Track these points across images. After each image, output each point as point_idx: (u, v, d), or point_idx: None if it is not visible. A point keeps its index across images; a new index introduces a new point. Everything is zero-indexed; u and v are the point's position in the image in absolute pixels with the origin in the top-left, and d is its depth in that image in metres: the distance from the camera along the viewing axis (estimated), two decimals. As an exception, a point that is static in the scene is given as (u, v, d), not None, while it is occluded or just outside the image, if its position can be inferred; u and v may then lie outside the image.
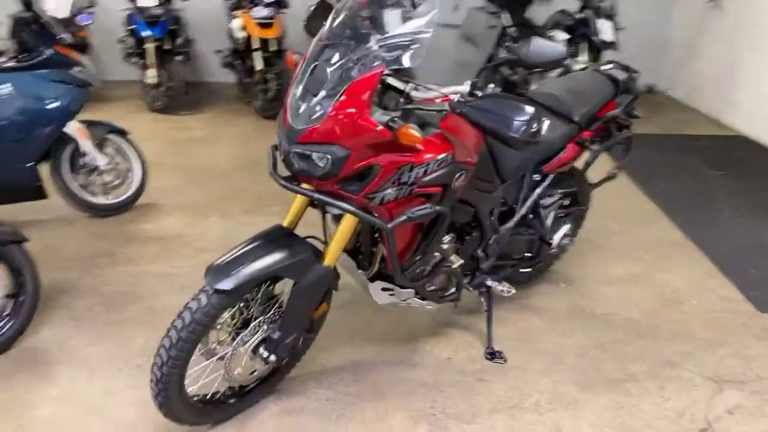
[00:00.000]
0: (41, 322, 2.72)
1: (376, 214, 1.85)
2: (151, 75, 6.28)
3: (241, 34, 6.18)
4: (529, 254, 2.73)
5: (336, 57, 1.77)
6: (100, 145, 3.78)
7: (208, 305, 1.78)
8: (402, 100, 1.87)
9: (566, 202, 2.87)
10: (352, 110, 1.67)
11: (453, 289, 2.39)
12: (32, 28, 3.49)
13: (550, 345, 2.63)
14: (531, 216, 2.58)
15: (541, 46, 1.76)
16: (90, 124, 3.75)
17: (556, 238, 2.70)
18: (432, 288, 2.33)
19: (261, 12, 5.98)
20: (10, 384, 2.34)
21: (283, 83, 6.03)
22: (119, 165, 3.93)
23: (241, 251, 1.87)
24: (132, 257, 3.37)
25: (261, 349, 1.99)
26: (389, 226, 1.85)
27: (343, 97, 1.67)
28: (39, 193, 3.62)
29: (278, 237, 1.94)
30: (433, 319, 2.74)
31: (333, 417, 2.19)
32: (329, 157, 1.70)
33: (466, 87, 1.82)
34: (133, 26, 6.23)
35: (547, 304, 2.95)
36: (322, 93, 1.73)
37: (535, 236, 2.65)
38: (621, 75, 2.71)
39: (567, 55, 1.79)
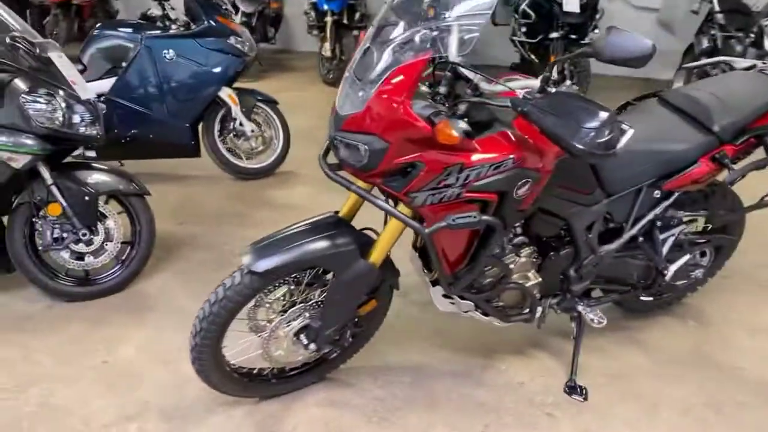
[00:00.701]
0: (157, 269, 2.97)
1: (419, 216, 1.68)
2: (327, 48, 6.51)
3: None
4: (643, 282, 2.34)
5: (386, 40, 1.62)
6: (249, 112, 4.00)
7: (241, 284, 1.77)
8: (468, 91, 1.67)
9: (701, 226, 2.41)
10: (392, 100, 1.52)
11: (526, 309, 2.12)
12: (198, 0, 3.76)
13: (648, 390, 2.25)
14: (642, 239, 2.18)
15: (623, 39, 1.43)
16: (242, 92, 3.98)
17: (673, 268, 2.26)
18: (499, 304, 2.09)
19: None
20: (110, 321, 2.59)
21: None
22: (265, 132, 4.15)
23: (285, 235, 1.83)
24: (258, 221, 3.55)
25: (302, 336, 1.95)
26: (427, 231, 1.68)
27: (383, 85, 1.53)
28: (193, 151, 3.97)
29: (328, 225, 1.86)
30: (523, 336, 2.49)
31: (374, 418, 2.09)
32: (367, 148, 1.57)
33: (537, 82, 1.56)
34: (314, 0, 6.50)
35: (663, 342, 2.52)
36: (368, 78, 1.59)
37: (650, 263, 2.25)
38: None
39: (653, 51, 1.44)
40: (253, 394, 2.11)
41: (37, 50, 2.46)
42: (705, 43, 5.85)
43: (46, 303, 2.70)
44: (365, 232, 1.92)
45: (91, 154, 3.75)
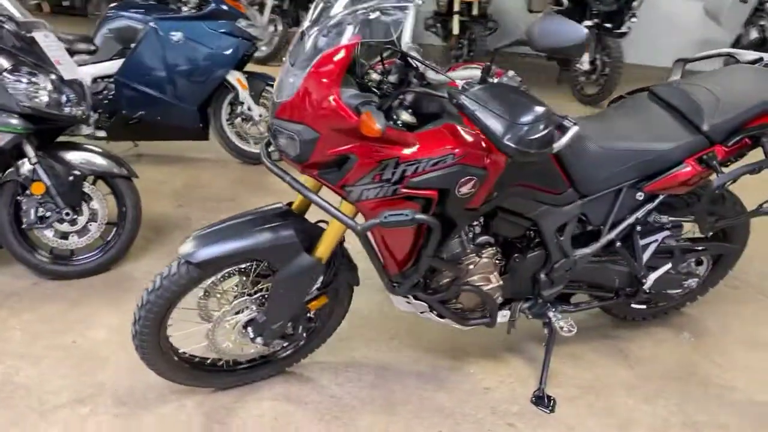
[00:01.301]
0: (145, 251, 2.98)
1: (354, 211, 1.60)
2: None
3: (441, -5, 5.99)
4: (622, 289, 2.18)
5: (319, 24, 1.52)
6: (258, 96, 3.97)
7: (177, 274, 1.73)
8: (415, 81, 1.56)
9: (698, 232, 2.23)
10: (319, 88, 1.43)
11: (486, 313, 2.00)
12: (207, -19, 3.73)
13: (623, 405, 2.10)
14: (620, 244, 2.03)
15: (556, 26, 1.29)
16: (252, 76, 3.95)
17: (653, 277, 2.10)
18: (457, 306, 1.98)
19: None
20: (89, 302, 2.60)
21: (476, 50, 5.72)
22: (273, 117, 4.09)
23: (227, 225, 1.78)
24: (249, 205, 3.50)
25: (249, 329, 1.90)
26: (359, 228, 1.58)
27: (311, 72, 1.44)
28: (200, 134, 3.97)
29: (275, 217, 1.79)
30: (500, 340, 2.37)
31: (327, 417, 2.03)
32: (297, 138, 1.49)
33: (477, 72, 1.44)
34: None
35: (650, 353, 2.35)
36: (299, 64, 1.51)
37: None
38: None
39: (587, 40, 1.30)
40: (205, 384, 2.08)
41: (22, 30, 2.47)
42: (754, 35, 5.50)
43: (32, 280, 2.74)
44: (319, 225, 1.85)
45: (102, 134, 3.82)
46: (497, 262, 1.94)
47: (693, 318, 2.56)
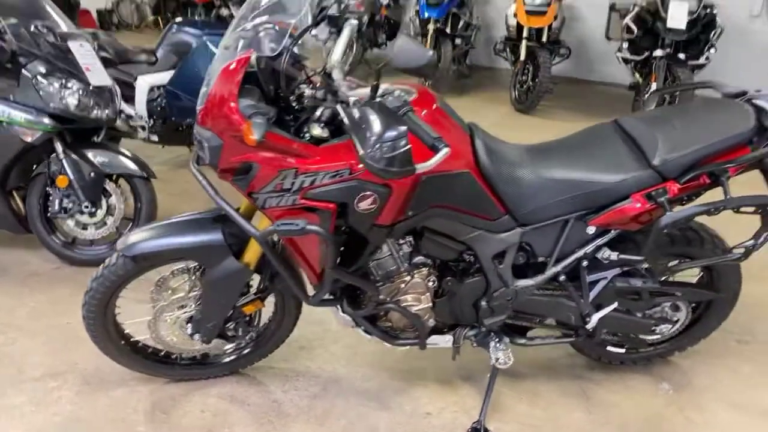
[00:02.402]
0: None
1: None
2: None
3: (512, 21, 5.94)
4: (570, 325, 2.07)
5: (231, 34, 1.61)
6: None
7: (115, 266, 1.87)
8: (330, 96, 1.60)
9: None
10: (220, 97, 1.52)
11: (415, 334, 1.97)
12: None
13: (566, 452, 1.99)
14: (564, 278, 1.93)
15: (408, 47, 1.29)
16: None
17: (597, 316, 1.97)
18: (387, 325, 1.98)
19: (534, 0, 5.61)
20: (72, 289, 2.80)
21: (540, 77, 5.62)
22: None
23: (167, 223, 1.89)
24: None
25: (189, 325, 2.00)
26: (257, 234, 1.64)
27: (216, 82, 1.53)
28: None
29: (214, 219, 1.88)
30: (460, 366, 2.31)
31: (261, 420, 2.09)
32: (207, 145, 1.58)
33: (367, 90, 1.46)
34: (418, 7, 6.52)
35: (618, 399, 2.21)
36: (212, 74, 1.60)
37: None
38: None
39: (430, 60, 1.27)
40: (159, 375, 2.20)
41: (58, 39, 2.77)
42: None
43: (55, 264, 3.02)
44: None
45: (155, 138, 4.14)
46: (430, 283, 1.91)
47: (680, 369, 2.36)
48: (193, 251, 1.84)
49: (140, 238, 1.84)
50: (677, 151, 1.76)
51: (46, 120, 2.74)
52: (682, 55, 4.99)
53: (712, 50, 5.03)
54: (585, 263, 1.90)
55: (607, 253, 1.90)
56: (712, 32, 4.97)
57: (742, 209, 1.81)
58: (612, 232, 1.88)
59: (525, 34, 5.77)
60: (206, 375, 2.23)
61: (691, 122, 1.84)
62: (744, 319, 2.65)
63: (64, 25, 2.91)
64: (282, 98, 1.66)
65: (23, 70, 2.70)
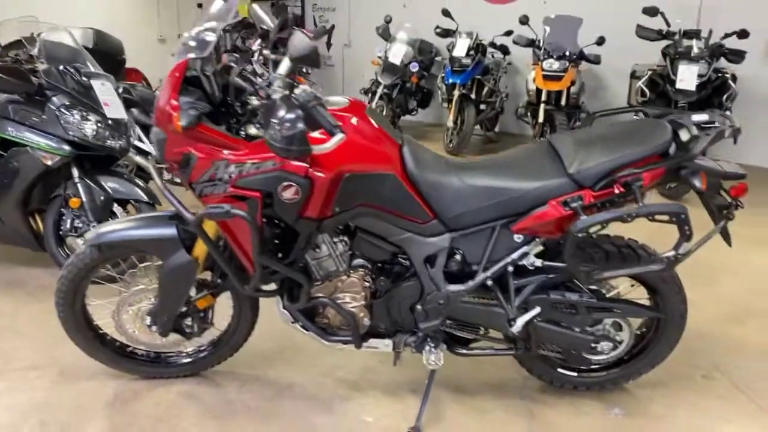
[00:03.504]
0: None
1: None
2: (450, 119, 6.78)
3: (531, 86, 6.16)
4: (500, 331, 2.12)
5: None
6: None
7: (83, 254, 2.08)
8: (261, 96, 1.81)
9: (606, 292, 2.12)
10: (163, 96, 1.75)
11: (350, 333, 2.06)
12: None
13: (495, 460, 2.01)
14: (491, 283, 2.01)
15: (297, 39, 1.49)
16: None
17: (520, 321, 2.01)
18: (323, 321, 2.09)
19: (551, 65, 5.83)
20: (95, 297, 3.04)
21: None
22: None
23: (133, 218, 2.12)
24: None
25: (148, 317, 2.17)
26: (191, 218, 1.82)
27: (163, 85, 1.77)
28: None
29: (172, 216, 2.08)
30: (412, 381, 2.37)
31: (208, 416, 2.20)
32: (154, 139, 1.81)
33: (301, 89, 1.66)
34: (444, 74, 6.86)
35: (564, 421, 2.20)
36: None
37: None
38: (691, 130, 1.89)
39: (313, 50, 1.46)
40: (124, 370, 2.36)
41: (83, 78, 3.15)
42: None
43: (64, 280, 3.28)
44: None
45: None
46: (366, 284, 2.03)
47: (637, 397, 2.33)
48: (150, 244, 2.04)
49: (106, 230, 2.06)
50: (592, 161, 1.86)
51: (66, 146, 3.07)
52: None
53: (729, 113, 5.05)
54: (511, 269, 1.98)
55: (531, 260, 1.98)
56: (725, 95, 5.03)
57: (658, 218, 1.87)
58: (537, 240, 1.97)
59: (543, 97, 5.96)
60: (168, 374, 2.37)
61: (610, 137, 1.95)
62: (717, 356, 2.62)
63: (92, 67, 3.30)
64: (226, 102, 1.89)
65: (48, 103, 3.07)
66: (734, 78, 5.50)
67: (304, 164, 1.74)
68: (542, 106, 5.96)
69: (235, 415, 2.20)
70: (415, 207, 1.92)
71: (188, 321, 2.21)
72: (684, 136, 1.90)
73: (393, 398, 2.30)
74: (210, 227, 1.96)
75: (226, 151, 1.77)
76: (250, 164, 1.76)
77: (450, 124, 6.81)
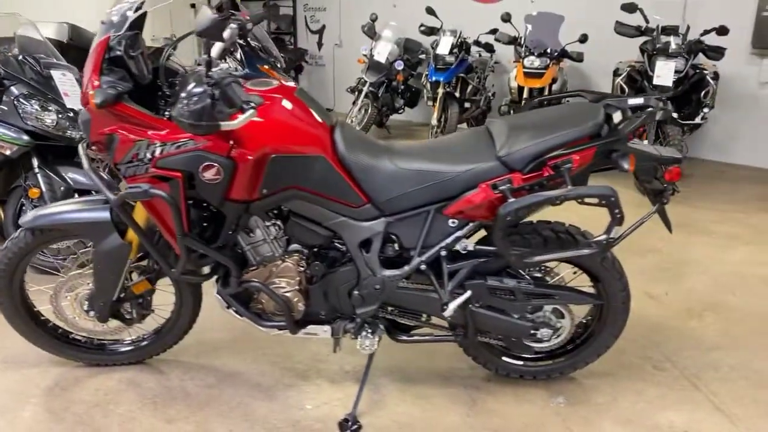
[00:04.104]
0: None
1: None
2: (435, 117, 6.77)
3: (513, 84, 6.15)
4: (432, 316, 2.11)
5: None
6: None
7: (17, 238, 2.07)
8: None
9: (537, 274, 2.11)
10: (86, 76, 1.74)
11: (282, 318, 2.05)
12: (245, 50, 4.34)
13: (428, 446, 1.99)
14: (425, 267, 1.99)
15: (201, 16, 1.49)
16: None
17: (452, 305, 1.98)
18: (258, 307, 2.07)
19: (532, 62, 5.82)
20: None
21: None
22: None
23: (67, 202, 2.11)
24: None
25: (85, 302, 2.16)
26: (112, 198, 1.81)
27: (87, 61, 1.76)
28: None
29: (107, 201, 2.06)
30: (358, 371, 2.34)
31: (146, 401, 2.19)
32: (80, 120, 1.81)
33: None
34: (426, 71, 6.86)
35: (504, 408, 2.18)
36: None
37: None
38: (626, 113, 1.87)
39: (211, 25, 1.46)
40: (67, 357, 2.35)
41: (42, 68, 3.15)
42: None
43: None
44: None
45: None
46: (300, 269, 2.02)
47: (583, 387, 2.31)
48: (83, 227, 2.03)
49: (40, 214, 2.05)
50: (521, 144, 1.85)
51: (24, 136, 3.07)
52: (674, 114, 5.01)
53: (706, 109, 5.04)
54: (444, 254, 1.96)
55: (464, 244, 1.96)
56: (703, 91, 5.00)
57: (587, 201, 1.85)
58: (471, 224, 1.95)
59: (525, 95, 5.94)
60: (111, 362, 2.36)
61: (542, 120, 1.93)
62: (670, 348, 2.60)
63: (54, 58, 3.29)
64: (152, 83, 1.87)
65: (6, 92, 3.06)
66: (716, 75, 5.48)
67: (226, 144, 1.73)
68: (524, 103, 5.94)
69: (173, 401, 2.19)
70: (347, 190, 1.91)
71: (127, 307, 2.19)
72: (617, 118, 1.88)
73: (337, 387, 2.28)
74: (142, 211, 1.95)
75: (147, 131, 1.76)
76: (171, 144, 1.75)
77: (434, 122, 6.79)
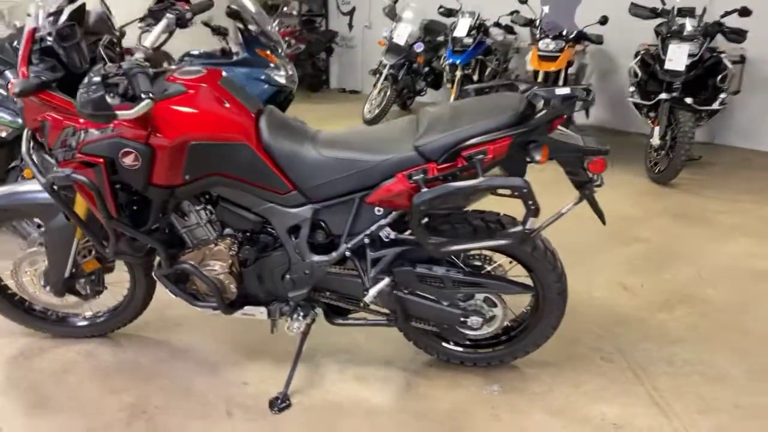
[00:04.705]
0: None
1: None
2: (452, 99, 6.71)
3: (529, 67, 6.03)
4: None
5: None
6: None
7: (-22, 215, 2.22)
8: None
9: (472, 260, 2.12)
10: (18, 64, 1.84)
11: (218, 298, 2.12)
12: (244, 35, 4.43)
13: (345, 428, 2.04)
14: (349, 254, 2.03)
15: (92, 13, 1.56)
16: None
17: (373, 291, 2.01)
18: (192, 287, 2.16)
19: (546, 45, 5.69)
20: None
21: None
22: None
23: (24, 182, 2.23)
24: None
25: (43, 278, 2.30)
26: (42, 180, 1.92)
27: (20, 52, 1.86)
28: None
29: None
30: (306, 352, 2.41)
31: (98, 373, 2.32)
32: (18, 107, 1.91)
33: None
34: (445, 53, 6.79)
35: (438, 393, 2.21)
36: None
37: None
38: (552, 102, 1.84)
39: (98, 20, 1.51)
40: (36, 328, 2.50)
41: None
42: None
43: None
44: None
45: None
46: (232, 252, 2.09)
47: (522, 375, 2.31)
48: (33, 208, 2.16)
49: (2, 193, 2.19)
50: (435, 134, 1.85)
51: (19, 120, 3.24)
52: (689, 99, 4.82)
53: (723, 95, 4.83)
54: (367, 241, 2.00)
55: (386, 232, 1.99)
56: (719, 76, 4.79)
57: (500, 192, 1.85)
58: (394, 212, 1.97)
59: (540, 78, 5.82)
60: (72, 334, 2.50)
61: (463, 110, 1.93)
62: (629, 340, 2.57)
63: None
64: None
65: (1, 77, 3.24)
66: (743, 59, 5.24)
67: (143, 131, 1.81)
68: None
69: (122, 373, 2.31)
70: (272, 178, 1.96)
71: (81, 283, 2.31)
72: (539, 108, 1.86)
73: (280, 366, 2.33)
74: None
75: (74, 118, 1.85)
76: (93, 131, 1.83)
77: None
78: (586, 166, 1.91)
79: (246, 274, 2.13)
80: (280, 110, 4.21)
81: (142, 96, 1.60)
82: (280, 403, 2.11)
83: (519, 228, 1.88)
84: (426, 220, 2.00)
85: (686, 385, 2.28)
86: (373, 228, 1.99)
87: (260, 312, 2.19)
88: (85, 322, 2.49)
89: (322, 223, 2.04)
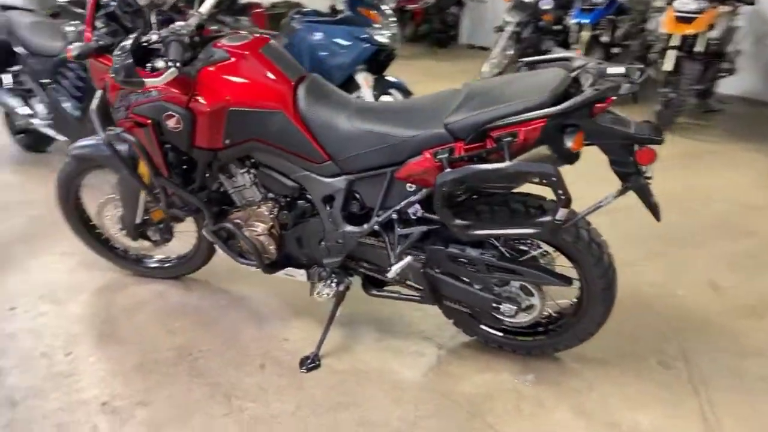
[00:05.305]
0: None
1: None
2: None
3: (661, 30, 5.49)
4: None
5: None
6: (378, 96, 4.50)
7: (67, 163, 2.47)
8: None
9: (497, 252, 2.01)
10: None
11: (257, 257, 2.20)
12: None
13: (358, 399, 2.08)
14: (378, 228, 2.01)
15: None
16: (380, 79, 4.50)
17: (396, 267, 1.97)
18: (237, 245, 2.26)
19: (685, 4, 5.12)
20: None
21: (680, 91, 5.12)
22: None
23: (98, 137, 2.44)
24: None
25: (119, 222, 2.55)
26: (102, 137, 2.08)
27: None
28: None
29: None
30: (346, 315, 2.47)
31: (161, 314, 2.54)
32: (90, 68, 2.09)
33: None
34: (573, 12, 6.34)
35: (468, 374, 2.18)
36: None
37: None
38: (599, 82, 1.67)
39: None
40: (119, 265, 2.79)
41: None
42: None
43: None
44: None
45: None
46: (272, 215, 2.16)
47: (563, 369, 2.19)
48: (106, 159, 2.36)
49: (79, 145, 2.42)
50: (465, 113, 1.76)
51: None
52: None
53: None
54: (395, 216, 1.97)
55: (415, 209, 1.95)
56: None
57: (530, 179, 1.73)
58: (424, 190, 1.92)
59: (674, 42, 5.27)
60: (147, 274, 2.75)
61: (504, 87, 1.80)
62: (699, 346, 2.37)
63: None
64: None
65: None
66: None
67: (185, 96, 1.90)
68: (669, 52, 5.29)
69: (183, 316, 2.51)
70: (308, 147, 1.99)
71: (151, 230, 2.53)
72: (586, 87, 1.70)
73: (321, 327, 2.42)
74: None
75: (122, 82, 1.99)
76: (140, 94, 1.96)
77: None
78: (634, 156, 1.72)
79: (286, 237, 2.21)
80: (381, 69, 4.23)
81: (169, 64, 1.68)
82: (309, 363, 2.19)
83: (548, 218, 1.75)
84: (463, 197, 1.94)
85: (749, 404, 2.05)
86: (402, 204, 1.96)
87: (300, 274, 2.27)
88: (156, 264, 2.72)
89: (357, 195, 2.04)
